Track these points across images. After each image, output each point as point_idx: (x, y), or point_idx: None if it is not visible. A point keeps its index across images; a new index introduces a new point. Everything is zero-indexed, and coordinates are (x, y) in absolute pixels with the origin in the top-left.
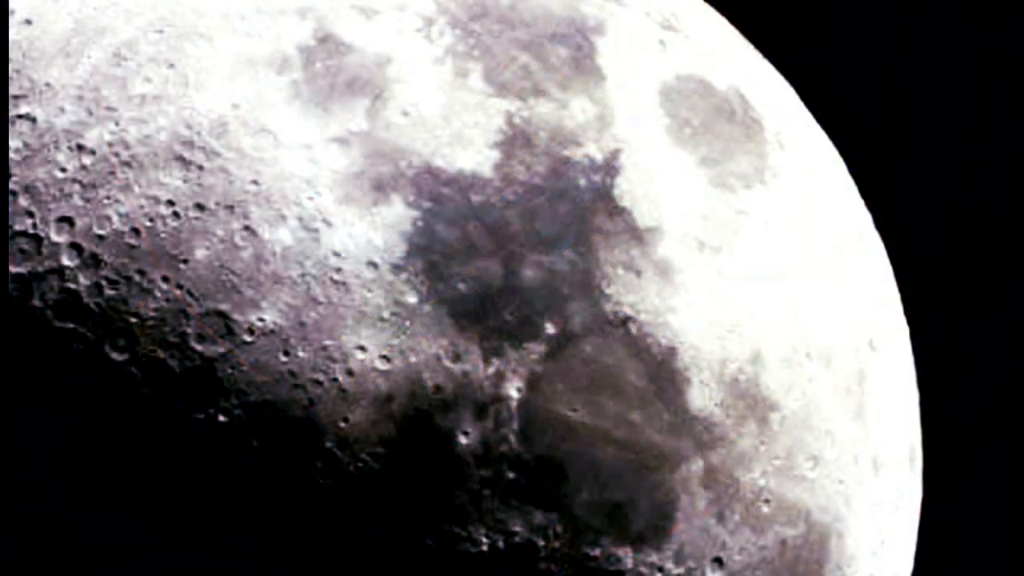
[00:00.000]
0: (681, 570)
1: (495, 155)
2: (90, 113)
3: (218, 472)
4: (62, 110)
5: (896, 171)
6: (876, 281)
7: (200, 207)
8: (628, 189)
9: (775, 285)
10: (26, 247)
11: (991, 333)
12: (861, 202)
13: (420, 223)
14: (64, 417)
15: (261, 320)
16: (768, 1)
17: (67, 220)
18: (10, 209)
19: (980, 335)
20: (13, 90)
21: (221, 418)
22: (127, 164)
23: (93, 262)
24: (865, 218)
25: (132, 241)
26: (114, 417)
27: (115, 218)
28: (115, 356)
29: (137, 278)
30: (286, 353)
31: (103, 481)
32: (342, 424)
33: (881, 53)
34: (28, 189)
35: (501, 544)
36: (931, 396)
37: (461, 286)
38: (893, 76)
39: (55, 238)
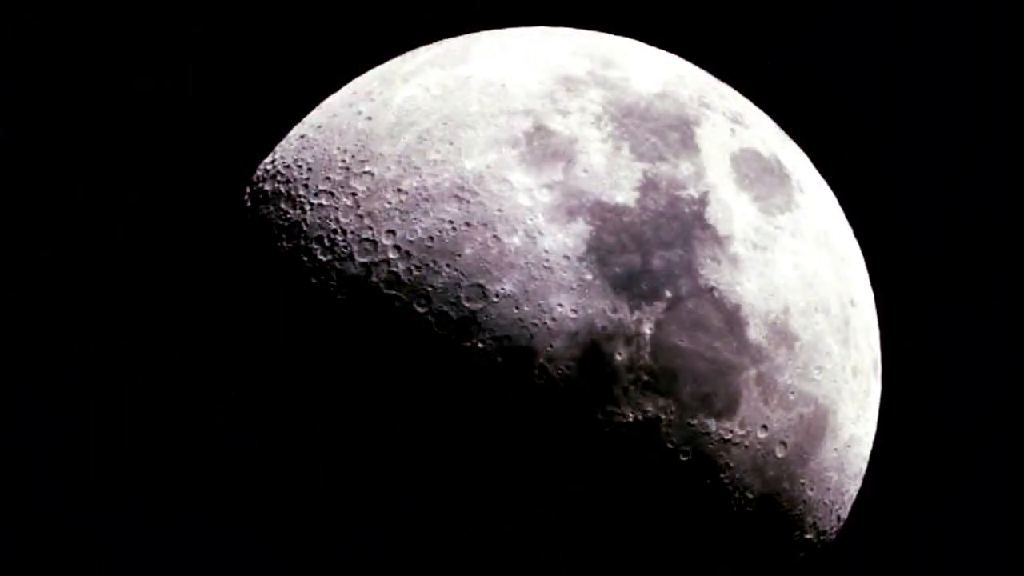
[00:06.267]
0: (743, 432)
1: (636, 194)
2: (404, 170)
3: (475, 383)
4: (388, 168)
5: (896, 171)
6: (855, 265)
7: (468, 224)
8: (713, 213)
9: (796, 267)
10: (368, 247)
11: (991, 333)
12: (845, 219)
13: (593, 233)
14: (383, 347)
15: (503, 289)
16: (773, 2)
17: (391, 232)
18: (359, 225)
19: (980, 335)
20: (361, 157)
21: (480, 345)
22: (425, 200)
23: (406, 256)
24: (847, 229)
25: (429, 244)
26: (414, 345)
27: (419, 230)
28: (419, 309)
29: (432, 265)
30: (517, 308)
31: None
32: (549, 348)
33: (881, 53)
34: (370, 214)
35: (640, 417)
36: (931, 396)
37: (617, 269)
38: (893, 76)
39: (384, 242)
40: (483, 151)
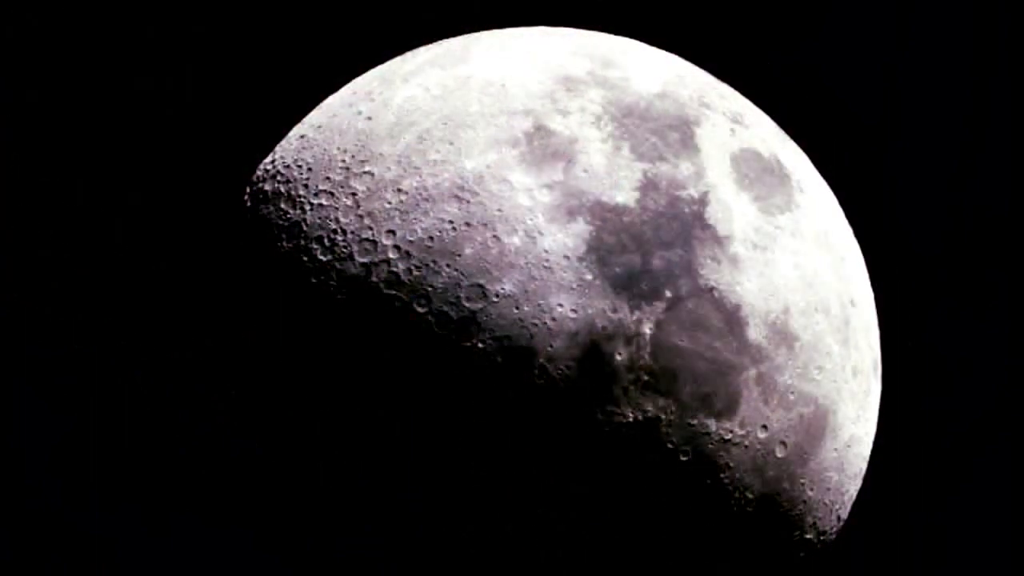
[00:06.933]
0: (743, 432)
1: (636, 194)
2: (404, 170)
3: (475, 383)
4: (389, 168)
5: (896, 171)
6: (854, 265)
7: (468, 224)
8: (713, 214)
9: (796, 267)
10: (368, 247)
11: (991, 333)
12: (845, 219)
13: (593, 233)
14: (383, 347)
15: (503, 289)
16: (773, 2)
17: (391, 232)
18: (359, 225)
19: (980, 335)
20: (361, 157)
21: (480, 345)
22: (425, 200)
23: (406, 256)
24: (847, 229)
25: (429, 244)
26: (414, 345)
27: (419, 230)
28: (419, 309)
29: (432, 265)
30: (517, 308)
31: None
32: (549, 348)
33: (881, 53)
34: (370, 214)
35: (640, 417)
36: (931, 396)
37: (617, 269)
38: (893, 76)
39: (384, 242)
40: (483, 151)
